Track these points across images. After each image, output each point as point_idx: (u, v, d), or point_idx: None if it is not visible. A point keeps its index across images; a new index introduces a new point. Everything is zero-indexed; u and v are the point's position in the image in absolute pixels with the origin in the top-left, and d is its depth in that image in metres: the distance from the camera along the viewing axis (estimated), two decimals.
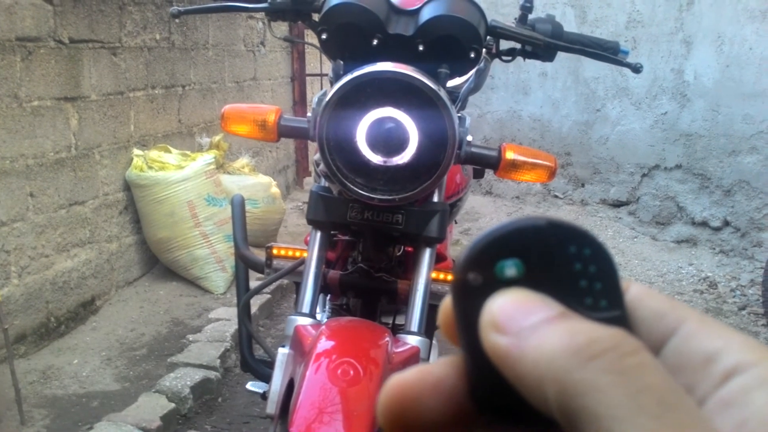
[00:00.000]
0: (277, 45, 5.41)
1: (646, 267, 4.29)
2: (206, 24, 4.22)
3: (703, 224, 4.41)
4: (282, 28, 4.83)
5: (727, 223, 4.30)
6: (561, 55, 1.54)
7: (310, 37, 5.32)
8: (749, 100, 4.13)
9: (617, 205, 4.93)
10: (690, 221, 4.49)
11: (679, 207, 4.55)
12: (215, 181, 3.62)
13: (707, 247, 4.39)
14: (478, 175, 2.19)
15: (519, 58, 1.58)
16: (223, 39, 4.46)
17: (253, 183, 4.12)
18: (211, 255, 3.53)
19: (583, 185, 5.12)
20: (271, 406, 1.22)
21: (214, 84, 4.36)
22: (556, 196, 5.26)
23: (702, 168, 4.40)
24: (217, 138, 4.12)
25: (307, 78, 5.93)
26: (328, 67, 5.21)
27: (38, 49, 2.80)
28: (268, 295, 3.46)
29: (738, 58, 4.16)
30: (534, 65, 5.15)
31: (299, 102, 5.86)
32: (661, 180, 4.64)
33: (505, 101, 5.55)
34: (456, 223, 3.19)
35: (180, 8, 1.58)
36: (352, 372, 1.09)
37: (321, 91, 1.40)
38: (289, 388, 1.19)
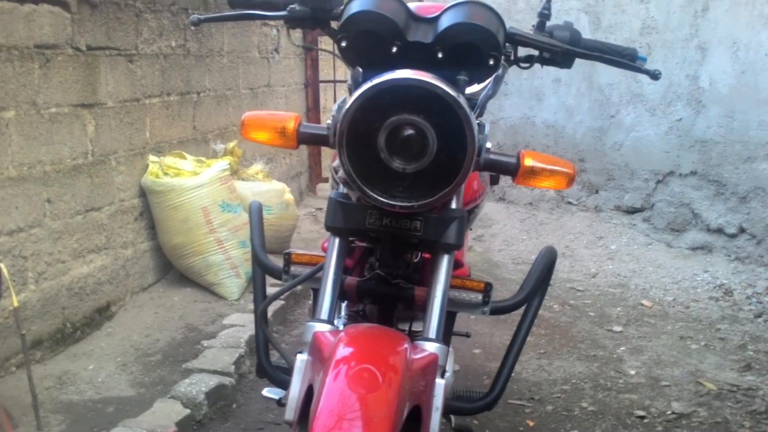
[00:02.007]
0: (291, 52, 5.44)
1: (661, 274, 4.27)
2: (221, 31, 4.24)
3: (719, 231, 4.39)
4: (297, 35, 4.86)
5: (742, 230, 4.27)
6: (576, 61, 1.54)
7: (324, 44, 5.35)
8: (765, 106, 4.11)
9: (632, 211, 4.91)
10: (705, 228, 4.47)
11: (694, 214, 4.53)
12: (230, 187, 3.64)
13: (722, 254, 4.36)
14: (493, 181, 2.20)
15: (535, 65, 1.58)
16: (238, 46, 4.49)
17: (267, 189, 4.13)
18: (226, 261, 3.54)
19: (597, 192, 5.11)
20: (290, 413, 1.22)
21: (228, 91, 4.38)
22: (570, 203, 5.25)
23: (717, 174, 4.38)
24: (231, 144, 4.14)
25: (321, 84, 5.95)
26: (341, 74, 5.24)
27: (56, 57, 2.83)
28: (282, 301, 3.47)
29: (754, 64, 4.14)
30: (548, 71, 5.15)
31: (313, 108, 5.88)
32: (675, 186, 4.62)
33: (518, 107, 5.55)
34: (471, 230, 3.20)
35: (200, 16, 1.59)
36: (371, 379, 1.09)
37: (341, 98, 1.40)
38: (308, 395, 1.19)
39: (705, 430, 2.60)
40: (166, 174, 3.45)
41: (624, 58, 1.53)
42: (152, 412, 2.42)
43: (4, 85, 2.57)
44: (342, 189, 1.45)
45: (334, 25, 1.46)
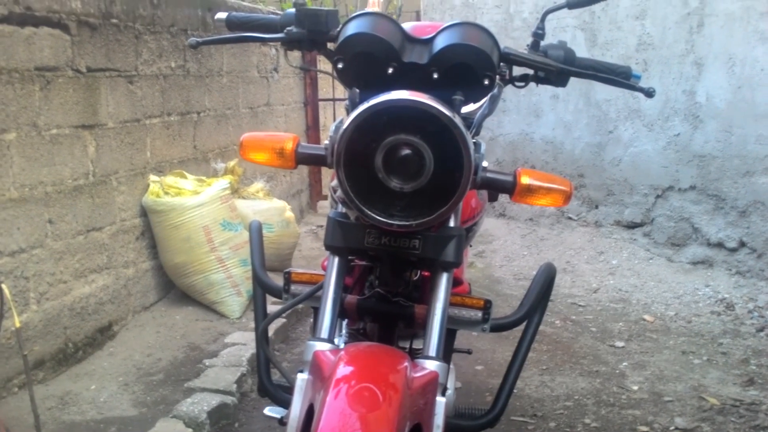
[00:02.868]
0: (290, 71, 5.47)
1: (662, 289, 4.27)
2: (220, 51, 4.27)
3: (719, 245, 4.39)
4: (295, 54, 4.89)
5: (743, 244, 4.28)
6: (572, 78, 1.56)
7: (323, 63, 5.39)
8: (762, 120, 4.12)
9: (631, 226, 4.92)
10: (705, 242, 4.47)
11: (694, 228, 4.54)
12: (230, 206, 3.65)
13: (723, 268, 4.36)
14: (493, 198, 2.21)
15: (530, 83, 1.60)
16: (237, 66, 4.52)
17: (268, 207, 4.15)
18: (227, 279, 3.55)
19: (597, 207, 5.12)
20: None
21: (228, 110, 4.41)
22: (570, 218, 5.26)
23: (716, 189, 4.39)
24: (231, 163, 4.16)
25: (320, 103, 5.98)
26: (340, 92, 5.27)
27: (56, 79, 2.85)
28: (284, 320, 3.47)
29: (750, 79, 4.16)
30: (545, 88, 5.15)
31: (312, 127, 5.90)
32: (675, 201, 4.63)
33: (517, 124, 5.58)
34: (471, 246, 3.20)
35: (198, 39, 1.61)
36: (371, 397, 1.10)
37: (338, 119, 1.42)
38: (309, 414, 1.20)
39: None
40: (167, 193, 3.46)
41: (618, 77, 1.55)
42: (154, 431, 2.42)
43: (5, 107, 2.59)
44: (341, 208, 1.46)
45: (331, 46, 1.48)
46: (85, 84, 3.03)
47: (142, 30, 3.43)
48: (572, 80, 1.57)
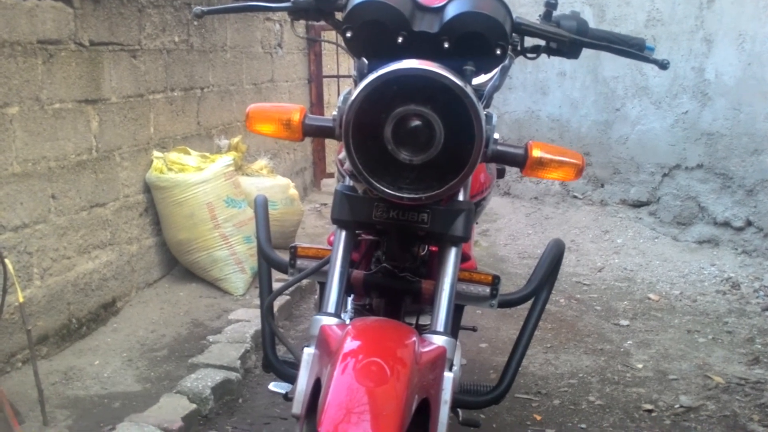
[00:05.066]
0: (294, 46, 5.42)
1: (668, 268, 4.25)
2: (224, 26, 4.23)
3: (725, 224, 4.37)
4: (299, 28, 4.85)
5: (749, 223, 4.25)
6: (581, 54, 1.53)
7: (328, 37, 5.34)
8: None
9: (637, 205, 4.89)
10: (712, 221, 4.44)
11: (700, 207, 4.51)
12: (234, 182, 3.63)
13: (729, 247, 4.34)
14: (499, 175, 2.18)
15: (541, 56, 1.57)
16: (241, 41, 4.48)
17: (272, 184, 4.12)
18: (231, 256, 3.53)
19: (602, 185, 5.09)
20: (297, 406, 1.21)
21: (232, 86, 4.37)
22: (576, 197, 5.23)
23: (724, 167, 4.35)
24: (235, 140, 4.14)
25: (324, 80, 5.94)
26: (344, 68, 5.21)
27: (59, 52, 2.82)
28: (288, 297, 3.46)
29: (760, 55, 4.11)
30: (553, 65, 5.12)
31: (316, 103, 5.86)
32: (682, 180, 4.60)
33: (523, 101, 5.53)
34: (477, 223, 3.18)
35: (203, 8, 1.58)
36: (379, 372, 1.08)
37: (346, 89, 1.39)
38: (316, 388, 1.18)
39: (713, 423, 2.58)
40: (170, 170, 3.44)
41: (632, 48, 1.52)
42: (158, 407, 2.42)
43: (8, 81, 2.56)
44: (348, 181, 1.44)
45: (339, 16, 1.45)
46: (88, 58, 2.99)
47: (145, 3, 3.39)
48: (581, 56, 1.54)
